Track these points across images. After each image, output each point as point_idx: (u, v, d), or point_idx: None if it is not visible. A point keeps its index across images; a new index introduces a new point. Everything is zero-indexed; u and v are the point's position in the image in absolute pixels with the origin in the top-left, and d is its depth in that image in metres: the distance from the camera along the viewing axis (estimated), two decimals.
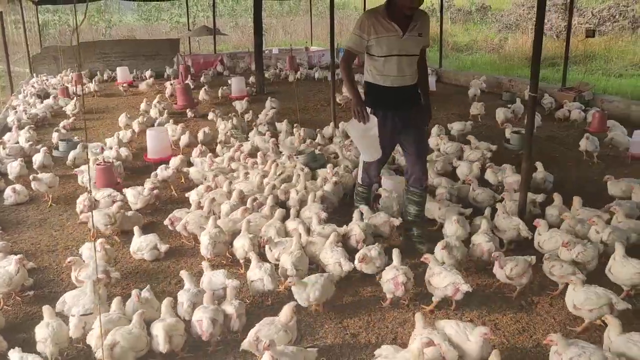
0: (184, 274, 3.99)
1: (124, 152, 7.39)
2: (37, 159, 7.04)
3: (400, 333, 3.76)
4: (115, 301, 3.67)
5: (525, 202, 5.20)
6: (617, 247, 4.07)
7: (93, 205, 5.67)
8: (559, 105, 10.25)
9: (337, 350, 3.61)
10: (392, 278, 3.95)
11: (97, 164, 6.54)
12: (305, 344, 3.61)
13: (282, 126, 8.92)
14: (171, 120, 9.44)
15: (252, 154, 7.40)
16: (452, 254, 4.29)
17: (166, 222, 5.27)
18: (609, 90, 11.80)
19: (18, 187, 6.28)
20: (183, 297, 3.76)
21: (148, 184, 6.05)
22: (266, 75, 14.81)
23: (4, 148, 7.64)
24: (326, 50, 16.13)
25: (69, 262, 4.18)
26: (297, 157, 6.87)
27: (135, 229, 4.99)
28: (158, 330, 3.34)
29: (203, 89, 12.32)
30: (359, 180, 5.14)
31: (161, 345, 3.29)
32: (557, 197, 5.31)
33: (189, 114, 10.62)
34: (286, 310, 3.42)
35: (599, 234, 4.55)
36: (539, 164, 6.16)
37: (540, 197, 5.46)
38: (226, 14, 33.08)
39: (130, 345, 3.23)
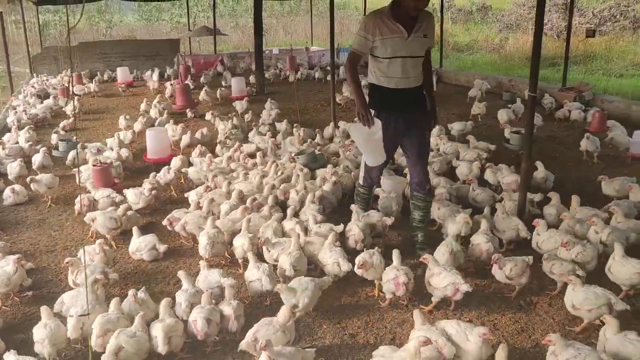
0: (181, 274, 3.99)
1: (124, 152, 7.38)
2: (37, 159, 7.04)
3: (399, 333, 3.76)
4: (114, 302, 3.66)
5: (525, 202, 5.19)
6: (616, 247, 4.06)
7: (92, 205, 5.67)
8: (559, 105, 10.24)
9: (336, 350, 3.60)
10: (393, 278, 3.94)
11: (94, 165, 6.54)
12: (303, 344, 3.60)
13: (281, 126, 8.92)
14: (171, 121, 9.43)
15: (252, 154, 7.40)
16: (456, 257, 4.27)
17: (165, 222, 5.27)
18: (610, 90, 11.78)
19: (17, 187, 6.28)
20: (181, 297, 3.76)
21: (146, 185, 6.05)
22: (266, 75, 14.80)
23: (3, 148, 7.64)
24: (326, 50, 16.12)
25: (67, 263, 4.18)
26: (297, 158, 6.87)
27: (134, 229, 4.99)
28: (157, 331, 3.33)
29: (204, 89, 12.32)
30: (360, 181, 5.09)
31: (160, 347, 3.29)
32: (554, 197, 5.31)
33: (189, 114, 10.62)
34: (284, 311, 3.41)
35: (598, 234, 4.54)
36: (539, 164, 6.15)
37: (537, 197, 5.45)
38: (227, 14, 33.05)
39: (135, 350, 3.23)
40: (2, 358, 3.29)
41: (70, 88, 9.22)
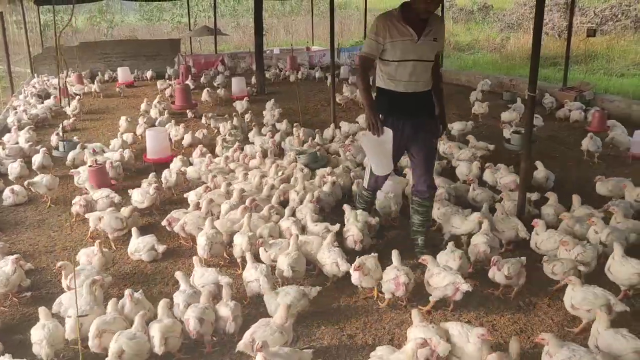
0: (179, 275, 3.98)
1: (126, 153, 7.37)
2: (37, 159, 7.04)
3: (397, 334, 3.75)
4: (111, 303, 3.66)
5: (524, 202, 5.18)
6: (615, 247, 4.06)
7: (90, 205, 5.67)
8: (559, 104, 10.22)
9: (334, 351, 3.60)
10: (394, 278, 3.94)
11: (90, 166, 6.54)
12: (301, 345, 3.60)
13: (281, 126, 8.92)
14: (172, 121, 9.43)
15: (253, 155, 7.39)
16: (464, 262, 4.24)
17: (164, 222, 5.27)
18: (611, 90, 11.75)
19: (17, 187, 6.28)
20: (179, 298, 3.76)
21: (145, 184, 6.06)
22: (267, 75, 14.79)
23: (3, 149, 7.64)
24: (327, 50, 16.10)
25: (59, 267, 4.14)
26: (298, 157, 6.87)
27: (134, 230, 4.98)
28: (154, 331, 3.33)
29: (205, 89, 12.33)
30: (365, 184, 4.99)
31: (157, 347, 3.29)
32: (552, 196, 5.30)
33: (189, 114, 10.62)
34: (281, 311, 3.40)
35: (597, 234, 4.52)
36: (539, 163, 6.14)
37: (534, 196, 5.44)
38: (228, 14, 33.07)
39: (135, 352, 3.23)
40: None
41: (59, 90, 9.19)
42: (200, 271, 4.14)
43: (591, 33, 13.49)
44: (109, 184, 6.34)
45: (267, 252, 4.43)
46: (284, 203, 5.59)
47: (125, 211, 5.28)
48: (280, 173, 6.36)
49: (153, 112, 10.17)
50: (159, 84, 13.96)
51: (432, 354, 3.07)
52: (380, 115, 4.37)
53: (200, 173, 6.52)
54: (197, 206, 5.47)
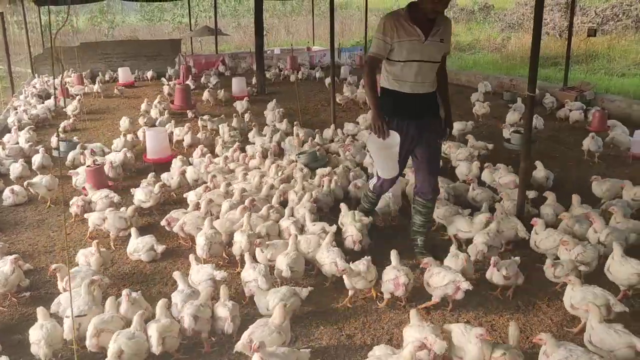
0: (177, 275, 3.98)
1: (129, 154, 7.34)
2: (36, 159, 7.04)
3: (396, 334, 3.74)
4: (109, 301, 3.67)
5: (524, 202, 5.18)
6: (615, 247, 4.04)
7: (87, 205, 5.67)
8: (560, 104, 10.21)
9: (332, 351, 3.59)
10: (393, 279, 3.93)
11: (87, 166, 6.54)
12: (300, 345, 3.59)
13: (281, 126, 8.92)
14: (172, 121, 9.43)
15: (253, 155, 7.39)
16: (469, 265, 4.20)
17: (163, 222, 5.26)
18: (612, 90, 11.74)
19: (16, 187, 6.28)
20: (177, 298, 3.75)
21: (144, 184, 6.06)
22: (267, 75, 14.79)
23: (3, 149, 7.65)
24: (328, 50, 16.13)
25: (54, 269, 4.11)
26: (298, 157, 6.87)
27: (133, 230, 4.98)
28: (152, 331, 3.33)
29: (207, 89, 12.34)
30: (370, 187, 4.92)
31: (154, 347, 3.28)
32: (550, 196, 5.29)
33: (190, 114, 10.62)
34: (278, 311, 3.40)
35: (596, 234, 4.51)
36: (538, 163, 6.14)
37: (532, 194, 5.43)
38: (229, 14, 33.11)
39: (134, 352, 3.23)
40: None
41: (55, 89, 9.19)
42: (196, 268, 4.15)
43: (592, 33, 13.47)
44: (106, 185, 6.33)
45: (263, 252, 4.42)
46: (284, 203, 5.59)
47: (128, 210, 5.30)
48: (280, 173, 6.36)
49: (153, 112, 10.18)
50: (165, 89, 13.97)
51: (429, 354, 3.06)
52: (385, 117, 4.31)
53: (199, 174, 6.51)
54: (197, 206, 5.47)
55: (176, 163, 6.91)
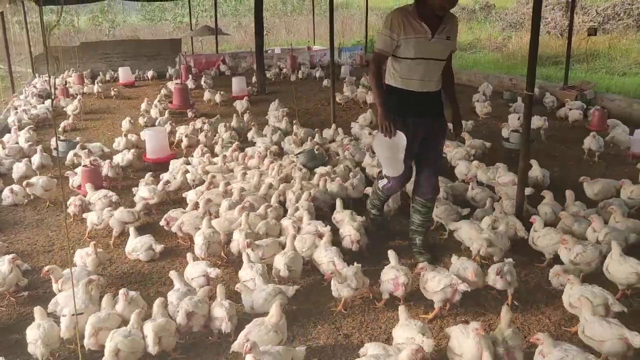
0: (173, 274, 3.99)
1: (131, 154, 7.32)
2: (35, 159, 7.04)
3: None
4: (106, 298, 3.67)
5: (523, 201, 5.16)
6: (613, 247, 4.03)
7: (84, 205, 5.67)
8: (560, 103, 10.19)
9: (330, 351, 3.59)
10: (393, 278, 3.92)
11: (84, 166, 6.55)
12: (297, 345, 3.58)
13: (281, 125, 8.92)
14: (170, 121, 9.41)
15: (253, 155, 7.38)
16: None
17: (162, 222, 5.26)
18: (612, 89, 11.71)
19: (16, 187, 6.27)
20: (173, 296, 3.75)
21: (142, 184, 6.06)
22: (268, 75, 14.78)
23: (3, 148, 7.66)
24: (328, 49, 16.14)
25: (47, 271, 4.09)
26: (297, 157, 6.86)
27: (131, 229, 4.98)
28: (147, 330, 3.33)
29: (207, 90, 12.34)
30: (380, 187, 4.82)
31: (150, 347, 3.28)
32: (547, 194, 5.29)
33: (189, 113, 10.62)
34: (274, 310, 3.39)
35: (595, 233, 4.50)
36: (533, 162, 6.11)
37: (528, 190, 5.42)
38: (229, 13, 33.15)
39: (130, 350, 3.23)
40: None
41: (52, 89, 9.12)
42: (191, 264, 4.18)
43: (592, 32, 13.44)
44: (101, 185, 6.31)
45: (253, 251, 4.37)
46: (283, 203, 5.59)
47: (138, 205, 5.43)
48: (279, 173, 6.35)
49: (153, 112, 10.18)
50: (169, 85, 13.98)
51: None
52: (392, 116, 4.21)
53: (195, 175, 6.49)
54: (196, 205, 5.46)
55: (174, 164, 6.90)
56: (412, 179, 4.77)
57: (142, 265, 4.82)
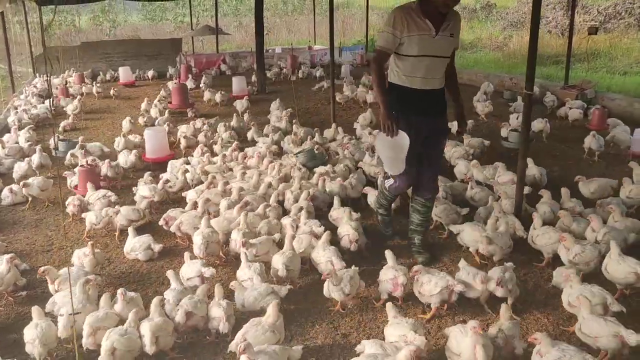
0: (170, 273, 3.99)
1: (132, 155, 7.31)
2: (35, 159, 7.04)
3: None
4: (104, 297, 3.67)
5: (522, 200, 5.16)
6: (612, 246, 4.01)
7: (82, 205, 5.67)
8: (561, 103, 10.17)
9: (327, 350, 3.58)
10: (392, 279, 3.91)
11: (80, 166, 6.55)
12: (295, 344, 3.57)
13: (281, 125, 8.91)
14: (167, 122, 9.39)
15: (252, 155, 7.38)
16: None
17: (161, 222, 5.26)
18: (613, 88, 11.69)
19: (15, 187, 6.28)
20: (169, 295, 3.75)
21: (141, 183, 6.06)
22: (268, 74, 14.77)
23: (3, 148, 7.66)
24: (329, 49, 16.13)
25: (43, 272, 4.09)
26: (297, 156, 6.86)
27: (130, 229, 4.98)
28: (144, 330, 3.32)
29: (207, 90, 12.33)
30: (387, 186, 4.72)
31: (147, 347, 3.28)
32: (545, 194, 5.27)
33: (189, 113, 10.62)
34: (271, 310, 3.39)
35: (594, 233, 4.49)
36: (529, 160, 6.08)
37: (526, 190, 5.41)
38: (230, 13, 33.14)
39: (127, 348, 3.23)
40: None
41: (50, 89, 9.17)
42: (187, 263, 4.19)
43: (592, 31, 13.40)
44: (98, 185, 6.30)
45: (247, 250, 4.35)
46: (283, 203, 5.59)
47: (142, 203, 5.45)
48: (279, 172, 6.35)
49: (153, 112, 10.18)
50: (170, 85, 13.97)
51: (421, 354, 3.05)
52: (394, 113, 4.19)
53: (193, 174, 6.48)
54: (194, 205, 5.46)
55: (173, 164, 6.89)
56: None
57: (141, 265, 4.82)
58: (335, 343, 3.65)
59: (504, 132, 7.84)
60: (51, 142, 8.31)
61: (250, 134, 8.49)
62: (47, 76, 10.87)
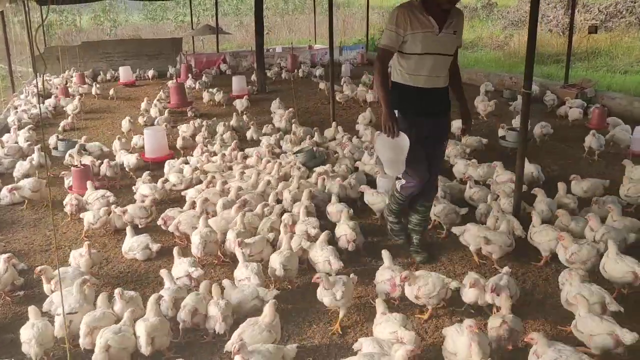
0: (163, 272, 3.99)
1: (133, 157, 7.29)
2: (34, 159, 7.03)
3: None
4: (101, 297, 3.67)
5: (520, 200, 5.14)
6: (610, 245, 4.00)
7: (80, 204, 5.67)
8: (561, 102, 10.15)
9: (324, 350, 3.58)
10: (389, 279, 3.90)
11: (73, 166, 6.54)
12: (291, 344, 3.56)
13: (280, 124, 8.91)
14: (166, 122, 9.39)
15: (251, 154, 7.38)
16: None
17: (159, 221, 5.26)
18: (614, 87, 11.66)
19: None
20: (164, 294, 3.74)
21: (139, 183, 6.07)
22: (268, 74, 14.76)
23: (2, 147, 7.67)
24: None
25: (39, 271, 4.08)
26: (296, 156, 6.85)
27: (128, 229, 4.98)
28: (140, 331, 3.32)
29: (207, 90, 12.33)
30: (398, 187, 4.56)
31: (143, 347, 3.27)
32: (539, 193, 5.25)
33: (189, 112, 10.62)
34: (268, 309, 3.39)
35: (593, 232, 4.48)
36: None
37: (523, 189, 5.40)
38: (231, 12, 33.12)
39: (120, 346, 3.23)
40: None
41: (43, 88, 9.14)
42: (177, 262, 4.20)
43: (593, 30, 13.38)
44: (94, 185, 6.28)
45: (242, 249, 4.34)
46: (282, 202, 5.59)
47: (147, 202, 5.50)
48: (279, 172, 6.34)
49: (153, 111, 10.18)
50: (170, 84, 13.95)
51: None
52: (396, 112, 4.12)
53: (187, 174, 6.47)
54: (193, 205, 5.46)
55: (170, 164, 6.89)
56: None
57: (139, 264, 4.82)
58: (332, 342, 3.65)
59: (501, 132, 7.83)
60: (51, 141, 8.30)
61: (249, 134, 8.49)
62: (38, 75, 10.81)
